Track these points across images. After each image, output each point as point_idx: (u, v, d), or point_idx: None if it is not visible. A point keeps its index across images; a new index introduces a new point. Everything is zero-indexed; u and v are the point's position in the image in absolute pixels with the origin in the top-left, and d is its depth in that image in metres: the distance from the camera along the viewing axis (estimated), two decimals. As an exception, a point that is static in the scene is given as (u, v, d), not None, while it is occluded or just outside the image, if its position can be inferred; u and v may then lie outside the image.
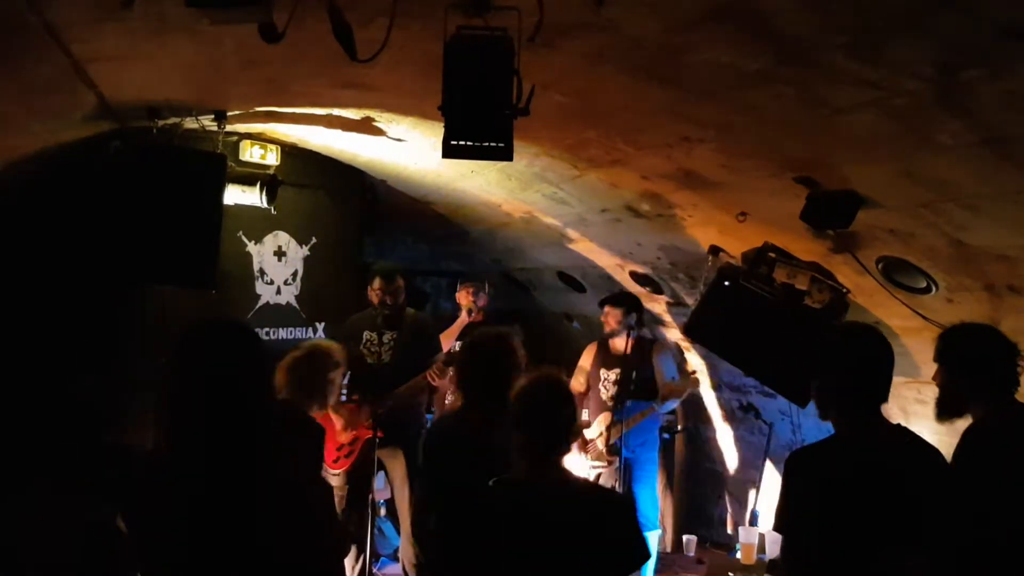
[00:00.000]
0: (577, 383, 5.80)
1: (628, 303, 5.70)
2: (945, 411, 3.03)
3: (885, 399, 2.61)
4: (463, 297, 6.35)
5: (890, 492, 2.47)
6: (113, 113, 4.25)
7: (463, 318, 6.28)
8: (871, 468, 2.51)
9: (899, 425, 2.68)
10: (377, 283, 5.36)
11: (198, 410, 2.03)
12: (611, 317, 5.62)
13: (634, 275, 6.03)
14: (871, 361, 2.62)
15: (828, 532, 2.49)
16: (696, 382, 5.85)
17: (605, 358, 5.72)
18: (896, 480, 2.49)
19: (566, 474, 2.61)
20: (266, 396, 2.16)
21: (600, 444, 5.48)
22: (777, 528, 2.63)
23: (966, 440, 2.85)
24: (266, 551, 1.97)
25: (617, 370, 5.53)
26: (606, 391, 5.61)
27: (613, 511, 2.57)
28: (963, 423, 2.96)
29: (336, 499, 3.91)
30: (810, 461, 2.64)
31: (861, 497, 2.47)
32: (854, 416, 2.60)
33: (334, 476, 5.04)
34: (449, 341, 5.99)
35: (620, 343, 5.58)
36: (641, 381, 5.53)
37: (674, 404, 5.87)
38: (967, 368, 2.96)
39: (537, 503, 2.47)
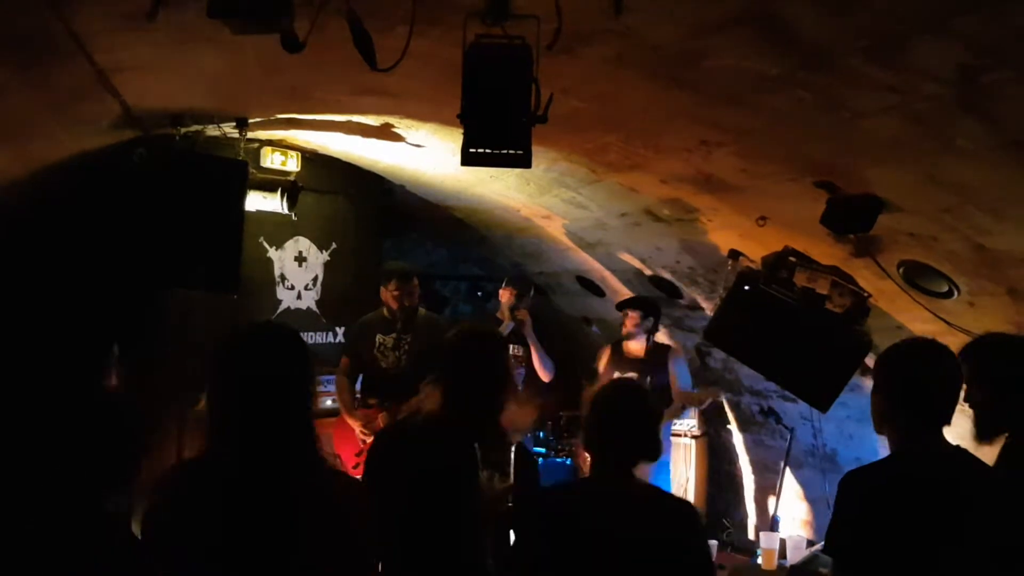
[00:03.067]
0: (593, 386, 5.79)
1: (647, 307, 5.73)
2: (986, 432, 2.82)
3: (947, 422, 2.50)
4: (505, 295, 5.92)
5: (947, 518, 2.37)
6: (137, 121, 4.29)
7: (510, 322, 5.79)
8: (928, 492, 2.41)
9: (958, 447, 2.54)
10: (393, 284, 5.24)
11: (237, 415, 2.04)
12: (630, 320, 5.67)
13: (653, 279, 6.02)
14: (931, 381, 2.51)
15: (880, 556, 2.40)
16: (717, 393, 5.83)
17: (620, 361, 5.72)
18: (954, 506, 2.39)
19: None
20: (309, 404, 2.16)
21: None
22: (828, 550, 2.54)
23: (1007, 458, 2.73)
24: (299, 559, 1.97)
25: (633, 374, 5.48)
26: None
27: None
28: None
29: None
30: (865, 482, 2.53)
31: (916, 521, 2.37)
32: (911, 437, 2.50)
33: None
34: None
35: (635, 346, 5.71)
36: (656, 387, 5.51)
37: (689, 414, 5.86)
38: (1008, 385, 2.78)
39: None
